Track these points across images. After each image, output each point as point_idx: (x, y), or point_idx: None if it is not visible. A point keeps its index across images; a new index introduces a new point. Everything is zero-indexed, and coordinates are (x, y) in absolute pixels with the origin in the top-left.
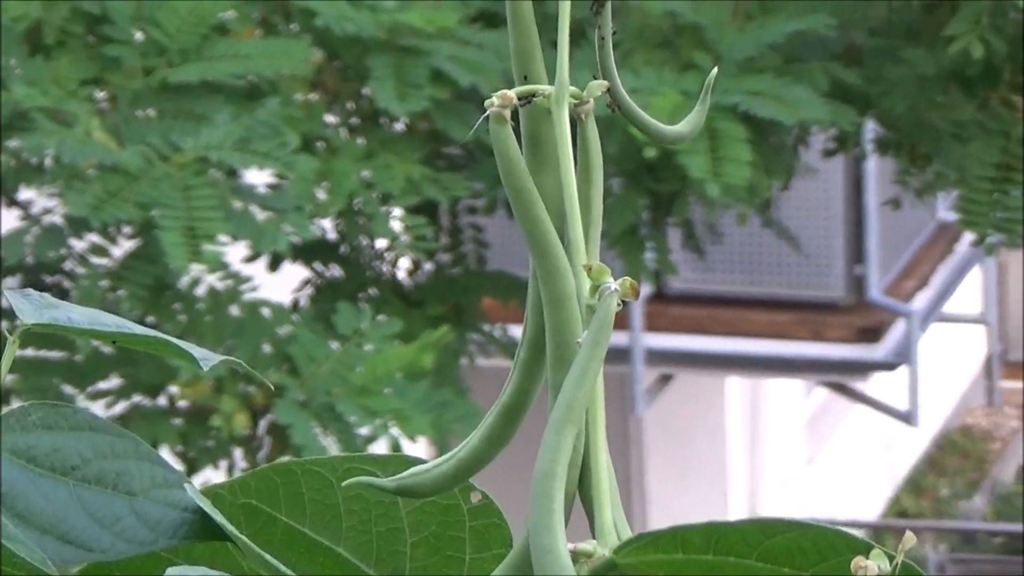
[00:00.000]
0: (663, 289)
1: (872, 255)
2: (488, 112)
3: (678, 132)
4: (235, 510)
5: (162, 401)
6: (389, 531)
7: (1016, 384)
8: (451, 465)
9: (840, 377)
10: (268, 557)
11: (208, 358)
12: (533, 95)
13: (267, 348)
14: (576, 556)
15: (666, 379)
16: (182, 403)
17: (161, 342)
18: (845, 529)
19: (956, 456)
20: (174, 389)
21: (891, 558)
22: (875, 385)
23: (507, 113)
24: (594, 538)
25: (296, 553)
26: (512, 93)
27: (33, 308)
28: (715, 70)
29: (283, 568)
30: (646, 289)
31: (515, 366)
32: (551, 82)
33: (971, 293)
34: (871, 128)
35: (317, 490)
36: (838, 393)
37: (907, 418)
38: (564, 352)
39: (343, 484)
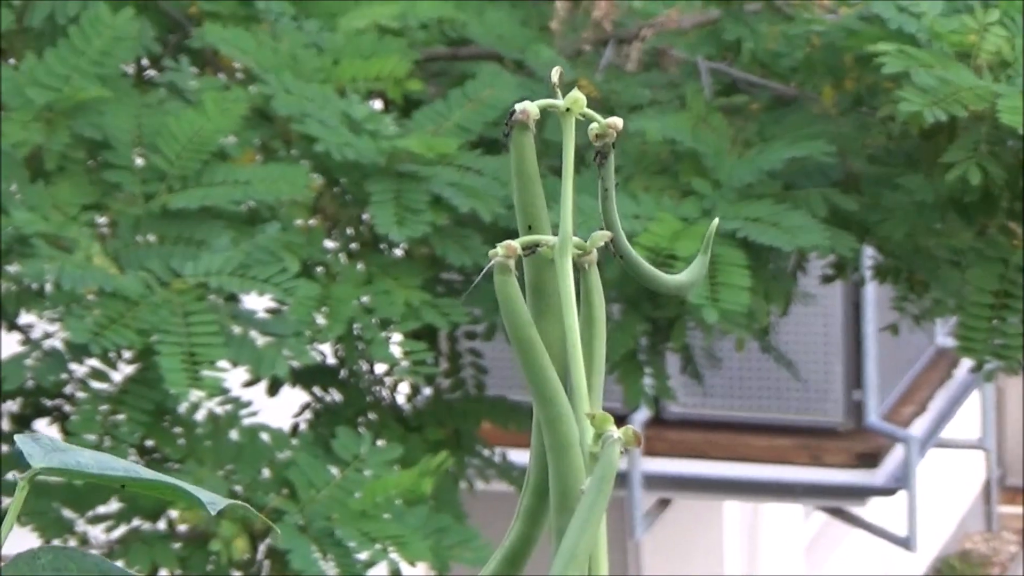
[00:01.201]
0: (661, 414)
1: (870, 380)
2: (492, 262)
3: (680, 282)
4: None
5: (161, 525)
6: None
7: (1014, 509)
8: None
9: (838, 502)
10: None
11: (216, 502)
12: (537, 245)
13: (266, 473)
14: None
15: (664, 503)
16: (181, 527)
17: (169, 487)
18: None
19: None
20: (173, 514)
21: None
22: (873, 510)
23: (511, 263)
24: None
25: None
26: (516, 244)
27: (43, 452)
28: (716, 222)
29: None
30: (644, 414)
31: (518, 512)
32: (554, 218)
33: (969, 418)
34: (869, 254)
35: None
36: (836, 518)
37: (905, 543)
38: (567, 499)
39: None
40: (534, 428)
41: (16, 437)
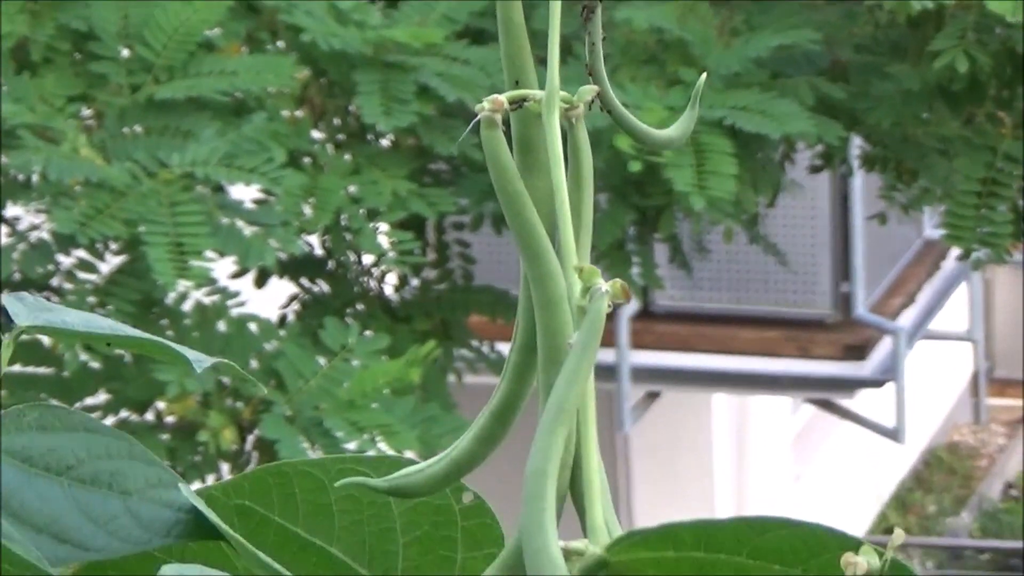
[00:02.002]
0: (650, 307)
1: (858, 273)
2: (479, 116)
3: (668, 136)
4: (228, 511)
5: (149, 417)
6: (381, 531)
7: (1002, 401)
8: (443, 466)
9: (827, 394)
10: (262, 556)
11: (201, 360)
12: (524, 100)
13: (254, 363)
14: (567, 554)
15: (653, 396)
16: (169, 419)
17: (156, 344)
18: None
19: (943, 473)
20: (161, 405)
21: (881, 555)
22: (862, 402)
23: (498, 118)
24: (585, 537)
25: (289, 553)
26: (503, 98)
27: (28, 311)
28: (704, 75)
29: (278, 567)
30: (633, 307)
31: (506, 368)
32: (542, 88)
33: (958, 311)
34: (857, 144)
35: (310, 491)
36: (825, 410)
37: (894, 435)
38: (555, 354)
39: (336, 485)
40: (521, 285)
41: (2, 296)
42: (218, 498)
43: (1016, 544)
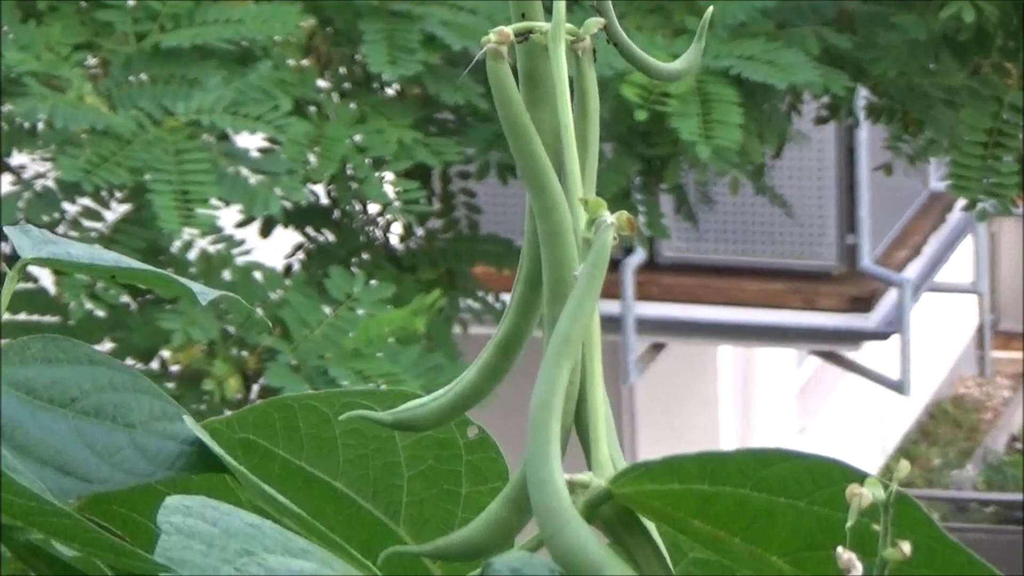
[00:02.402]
0: (655, 258)
1: (864, 225)
2: (484, 49)
3: (675, 69)
4: (233, 445)
5: (154, 365)
6: (386, 465)
7: (1008, 354)
8: (448, 399)
9: (832, 346)
10: (266, 488)
11: (205, 292)
12: (530, 32)
13: (259, 312)
14: (572, 487)
15: (658, 348)
16: (174, 367)
17: (160, 277)
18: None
19: (948, 426)
20: (166, 354)
21: (886, 488)
22: (867, 354)
23: (504, 50)
24: (590, 470)
25: (293, 487)
26: (509, 30)
27: (32, 243)
28: (711, 9)
29: (282, 499)
30: (638, 258)
31: (511, 301)
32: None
33: (963, 263)
34: (863, 96)
35: (314, 424)
36: (830, 362)
37: (899, 387)
38: (560, 286)
39: (340, 418)
40: (527, 218)
41: (6, 229)
42: (222, 432)
43: (1020, 497)
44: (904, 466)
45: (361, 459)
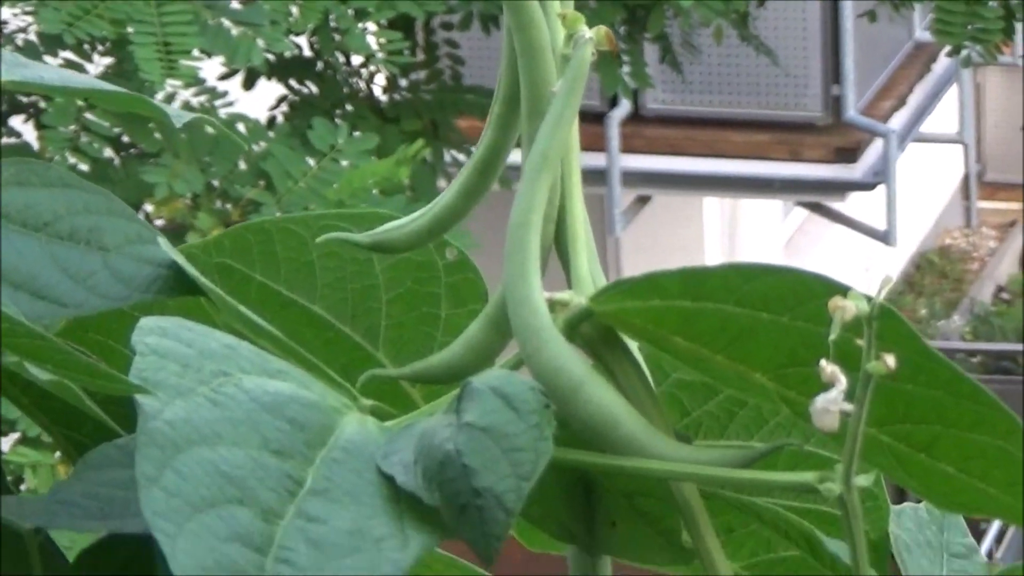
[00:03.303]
0: (640, 110)
1: (849, 75)
2: None
3: None
4: (209, 269)
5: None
6: (364, 288)
7: (993, 204)
8: (426, 220)
9: (817, 197)
10: (243, 309)
11: (181, 116)
12: None
13: (243, 165)
14: (552, 306)
15: (643, 200)
16: (158, 221)
17: (135, 99)
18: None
19: (934, 276)
20: (149, 207)
21: (870, 301)
22: (852, 205)
23: None
24: (570, 288)
25: (270, 312)
26: None
27: (5, 67)
28: None
29: (259, 320)
30: (623, 110)
31: (489, 120)
32: None
33: (948, 114)
34: None
35: (292, 248)
36: (816, 213)
37: (885, 237)
38: (538, 103)
39: (317, 241)
40: (504, 35)
41: None
42: (198, 256)
43: (1007, 347)
44: (888, 279)
45: (339, 282)
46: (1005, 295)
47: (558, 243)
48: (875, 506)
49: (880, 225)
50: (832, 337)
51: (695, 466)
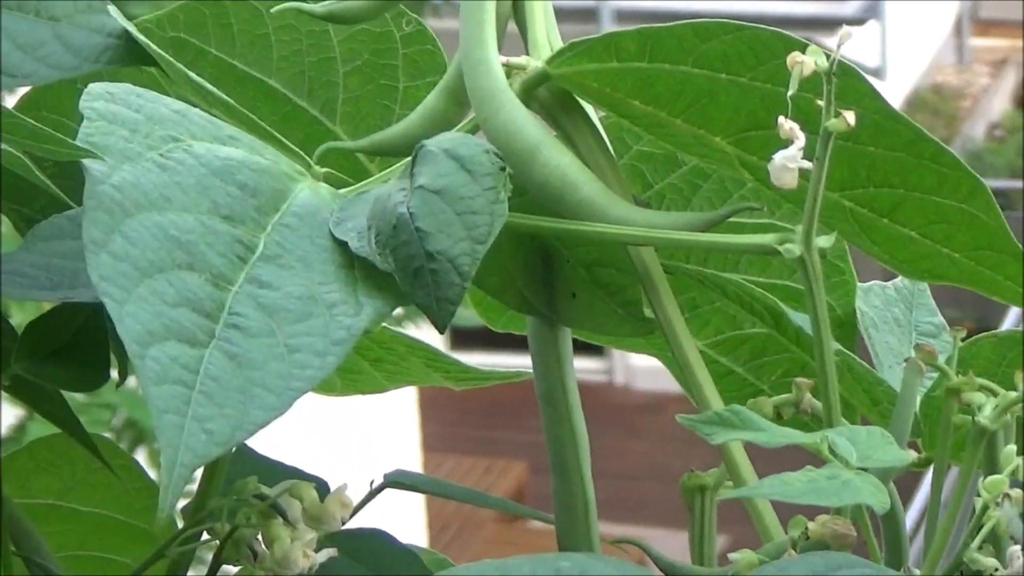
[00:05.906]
0: None
1: None
2: None
3: None
4: (164, 44)
5: None
6: (321, 61)
7: (986, 42)
8: None
9: (808, 33)
10: (196, 78)
11: None
12: None
13: None
14: (509, 70)
15: None
16: None
17: None
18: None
19: (927, 114)
20: None
21: (828, 57)
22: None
23: None
24: (527, 53)
25: (226, 87)
26: None
27: None
28: None
29: (212, 88)
30: None
31: None
32: None
33: None
34: None
35: (247, 20)
36: None
37: (876, 73)
38: None
39: (272, 11)
40: None
41: None
42: (152, 31)
43: (999, 183)
44: (847, 33)
45: (295, 55)
46: (998, 132)
47: (516, 11)
48: (841, 281)
49: (872, 62)
50: (791, 93)
51: (654, 230)
